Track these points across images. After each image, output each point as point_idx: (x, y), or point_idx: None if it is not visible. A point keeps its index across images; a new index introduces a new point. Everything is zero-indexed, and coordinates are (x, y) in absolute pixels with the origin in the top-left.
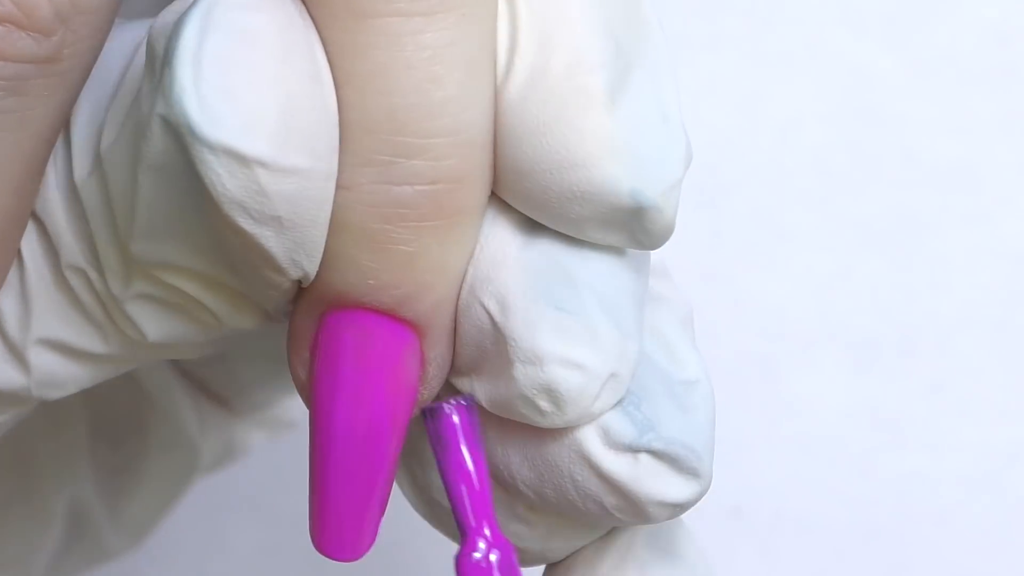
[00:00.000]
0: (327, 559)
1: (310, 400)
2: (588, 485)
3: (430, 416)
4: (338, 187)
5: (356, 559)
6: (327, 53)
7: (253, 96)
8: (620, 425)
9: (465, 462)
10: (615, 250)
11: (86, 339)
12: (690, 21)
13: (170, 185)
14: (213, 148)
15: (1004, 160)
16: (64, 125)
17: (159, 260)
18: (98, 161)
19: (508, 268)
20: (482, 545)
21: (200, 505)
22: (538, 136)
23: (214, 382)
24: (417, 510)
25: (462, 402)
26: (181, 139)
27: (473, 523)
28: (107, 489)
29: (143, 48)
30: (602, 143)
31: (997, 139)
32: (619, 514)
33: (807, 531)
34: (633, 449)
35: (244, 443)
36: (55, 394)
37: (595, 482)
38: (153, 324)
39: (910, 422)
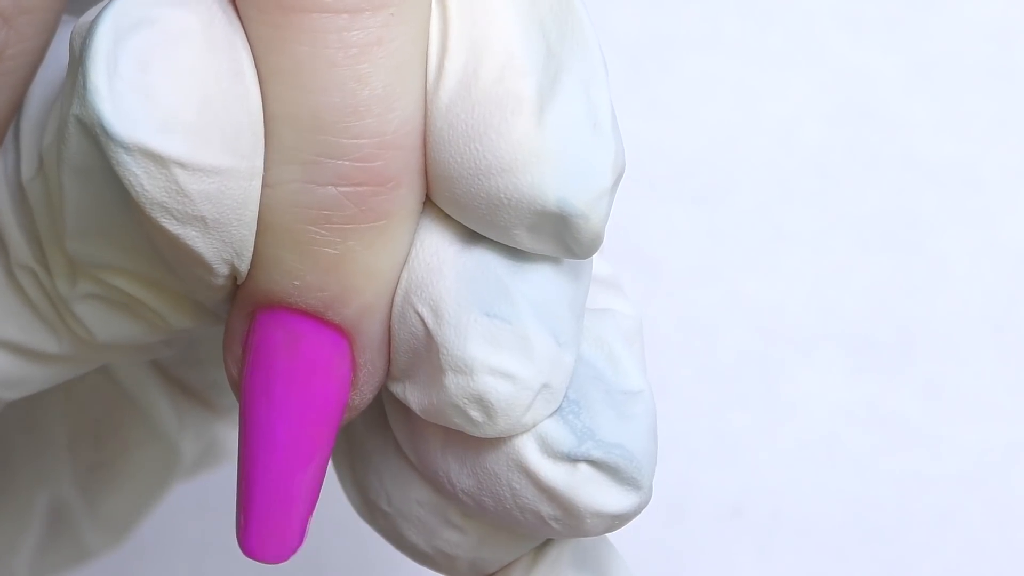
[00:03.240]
0: (323, 555)
1: (239, 397)
2: (526, 494)
3: None
4: (263, 185)
5: (281, 561)
6: (252, 48)
7: (170, 94)
8: (558, 433)
9: None
10: (552, 259)
11: (39, 339)
12: (689, 21)
13: (94, 186)
14: (128, 148)
15: (1003, 160)
16: (14, 125)
17: (95, 260)
18: (40, 158)
19: (442, 275)
20: None
21: (197, 504)
22: (467, 141)
23: (192, 381)
24: (358, 512)
25: None
26: (96, 140)
27: None
28: (86, 487)
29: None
30: (529, 150)
31: (996, 139)
32: (556, 524)
33: (806, 531)
34: (571, 458)
35: (226, 443)
36: (11, 395)
37: (532, 491)
38: (100, 324)
39: (909, 422)
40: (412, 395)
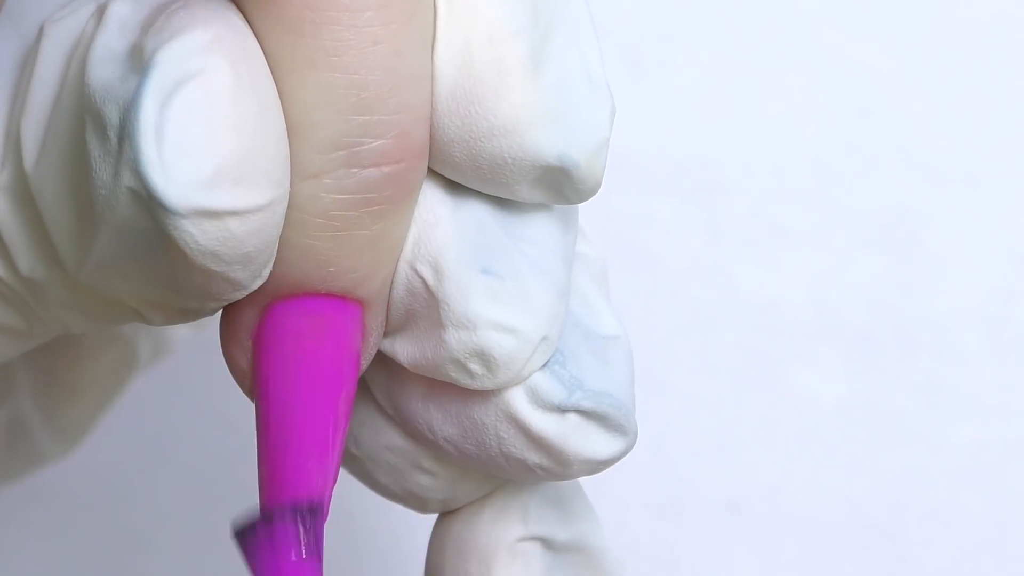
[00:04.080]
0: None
1: (255, 385)
2: (513, 443)
3: (240, 537)
4: (301, 179)
5: None
6: (286, 39)
7: (214, 149)
8: (548, 385)
9: None
10: (545, 209)
11: (5, 319)
12: (687, 18)
13: (133, 241)
14: (185, 214)
15: (1001, 157)
16: None
17: (105, 289)
18: (21, 176)
19: (441, 233)
20: None
21: (195, 499)
22: (465, 106)
23: None
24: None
25: (300, 510)
26: (152, 211)
27: None
28: (43, 398)
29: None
30: (528, 109)
31: (994, 136)
32: (541, 472)
33: (803, 527)
34: (562, 409)
35: (174, 338)
36: None
37: (521, 440)
38: (76, 322)
39: (907, 418)
40: (402, 349)
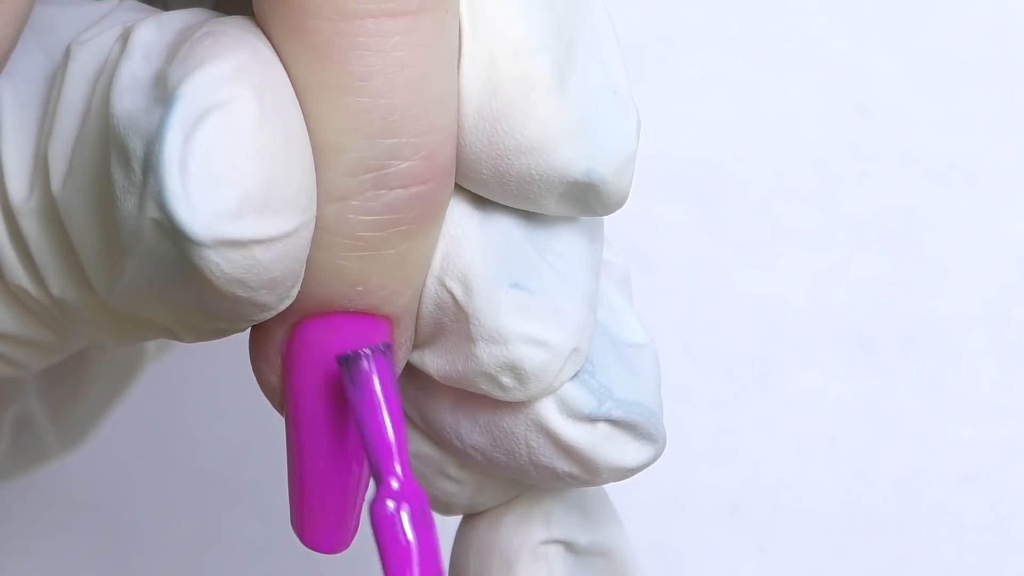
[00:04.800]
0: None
1: (285, 402)
2: (543, 452)
3: (345, 364)
4: (328, 201)
5: (343, 550)
6: (312, 63)
7: (239, 179)
8: (578, 395)
9: (380, 409)
10: (572, 220)
11: (40, 336)
12: (688, 18)
13: (159, 269)
14: (210, 245)
15: (1002, 157)
16: None
17: (135, 312)
18: (50, 200)
19: (469, 248)
20: (394, 494)
21: (194, 500)
22: (491, 124)
23: None
24: None
25: (379, 348)
26: (177, 242)
27: (388, 470)
28: (50, 396)
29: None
30: (555, 126)
31: (995, 136)
32: (569, 480)
33: (804, 527)
34: (592, 418)
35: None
36: (18, 373)
37: (551, 450)
38: (113, 339)
39: (907, 419)
40: (432, 361)
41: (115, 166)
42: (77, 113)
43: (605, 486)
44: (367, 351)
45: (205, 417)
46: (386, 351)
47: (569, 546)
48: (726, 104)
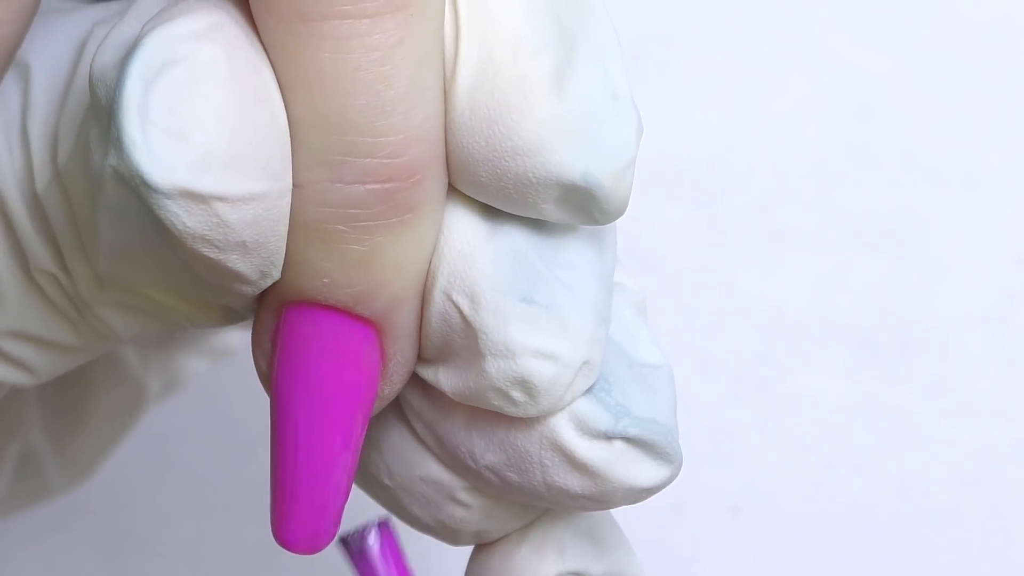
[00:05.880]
0: (321, 554)
1: (270, 389)
2: (557, 471)
3: (347, 544)
4: (292, 187)
5: (315, 552)
6: (273, 58)
7: (202, 132)
8: (594, 412)
9: None
10: (579, 233)
11: (58, 333)
12: (689, 20)
13: (130, 224)
14: (168, 194)
15: (1002, 159)
16: (21, 132)
17: (126, 279)
18: (57, 175)
19: (475, 261)
20: None
21: (197, 502)
22: (490, 125)
23: None
24: (355, 482)
25: (378, 524)
26: (135, 190)
27: None
28: (54, 432)
29: (86, 65)
30: (552, 127)
31: (995, 138)
32: (583, 501)
33: (805, 530)
34: (608, 436)
35: (186, 371)
36: (30, 380)
37: (565, 468)
38: (125, 325)
39: (908, 421)
40: (445, 378)
41: (88, 118)
42: (84, 89)
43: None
44: (368, 529)
45: (206, 420)
46: (385, 526)
47: None
48: (726, 105)
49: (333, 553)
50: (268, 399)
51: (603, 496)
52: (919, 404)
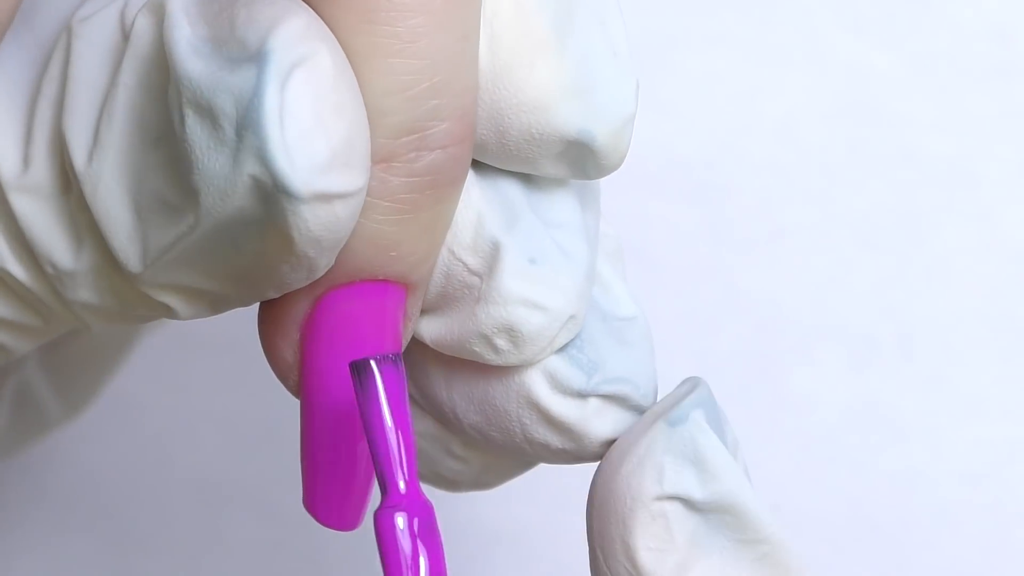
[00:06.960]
0: (321, 554)
1: (303, 377)
2: (536, 428)
3: (356, 371)
4: (373, 164)
5: (353, 528)
6: (352, 33)
7: (332, 133)
8: (567, 370)
9: (387, 418)
10: (567, 190)
11: (24, 318)
12: (689, 19)
13: (232, 232)
14: (306, 200)
15: (1003, 157)
16: None
17: (167, 284)
18: (59, 174)
19: (473, 214)
20: (397, 504)
21: (195, 500)
22: (493, 81)
23: None
24: None
25: (389, 358)
26: (272, 198)
27: (392, 480)
28: (49, 366)
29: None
30: (554, 84)
31: (996, 136)
32: (566, 455)
33: (805, 527)
34: (582, 394)
35: None
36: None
37: (543, 426)
38: (102, 317)
39: (909, 418)
40: (427, 326)
41: (194, 129)
42: (97, 89)
43: (583, 481)
44: (378, 359)
45: (207, 419)
46: (396, 361)
47: (688, 503)
48: (727, 104)
49: (333, 553)
50: (268, 398)
51: (583, 451)
52: (919, 402)
